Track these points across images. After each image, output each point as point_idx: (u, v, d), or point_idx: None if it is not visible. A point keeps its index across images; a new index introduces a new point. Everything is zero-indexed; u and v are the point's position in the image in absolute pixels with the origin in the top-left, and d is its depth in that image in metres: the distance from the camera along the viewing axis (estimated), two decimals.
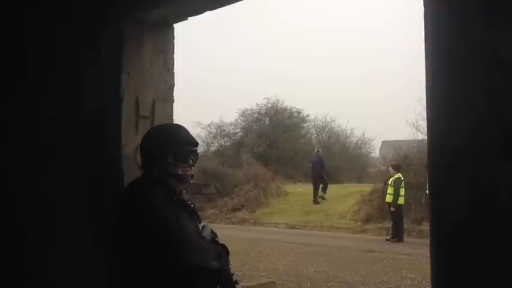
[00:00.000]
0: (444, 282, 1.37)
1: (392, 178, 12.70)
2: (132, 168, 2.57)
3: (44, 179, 3.04)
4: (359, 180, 23.91)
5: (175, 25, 2.80)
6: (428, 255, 1.45)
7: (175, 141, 2.35)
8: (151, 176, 2.29)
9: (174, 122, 2.74)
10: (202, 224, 2.39)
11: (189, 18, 2.68)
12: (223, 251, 2.28)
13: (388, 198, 12.66)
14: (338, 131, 29.81)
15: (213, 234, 2.37)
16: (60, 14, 3.01)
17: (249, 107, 29.53)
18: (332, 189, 18.27)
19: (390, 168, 13.41)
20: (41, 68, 3.11)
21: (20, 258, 3.16)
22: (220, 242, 2.36)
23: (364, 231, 14.38)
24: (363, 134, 29.46)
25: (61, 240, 2.88)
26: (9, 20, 3.34)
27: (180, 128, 2.45)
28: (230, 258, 2.32)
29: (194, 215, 2.37)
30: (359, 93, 38.14)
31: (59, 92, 2.97)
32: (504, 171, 1.23)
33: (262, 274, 8.68)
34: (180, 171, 2.32)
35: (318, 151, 19.64)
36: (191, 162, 2.37)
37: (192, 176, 2.40)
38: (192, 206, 2.39)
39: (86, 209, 2.76)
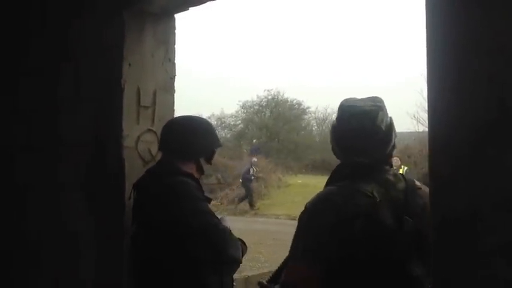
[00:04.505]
0: (445, 275, 1.37)
1: (401, 170, 12.56)
2: (132, 158, 2.58)
3: (45, 168, 3.05)
4: None
5: (176, 15, 2.80)
6: None
7: (213, 143, 2.45)
8: (181, 169, 2.30)
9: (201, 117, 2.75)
10: (220, 216, 2.43)
11: (190, 8, 2.68)
12: (244, 246, 2.33)
13: None
14: None
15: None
16: (62, 4, 3.01)
17: (249, 99, 29.57)
18: None
19: (397, 159, 13.18)
20: (43, 57, 3.11)
21: (22, 247, 3.18)
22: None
23: None
24: None
25: (62, 228, 2.89)
26: (12, 10, 3.34)
27: (213, 127, 2.55)
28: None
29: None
30: (359, 85, 38.13)
31: (60, 81, 2.98)
32: (507, 159, 1.23)
33: (263, 265, 8.70)
34: (205, 169, 2.43)
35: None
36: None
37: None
38: None
39: (87, 198, 2.77)
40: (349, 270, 1.61)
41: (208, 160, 2.44)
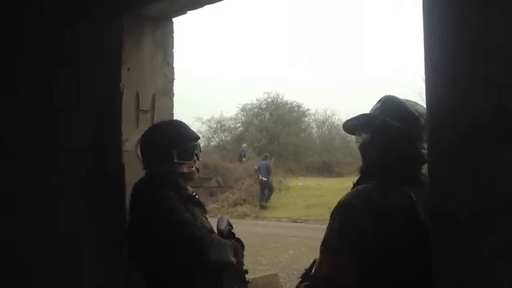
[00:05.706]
0: (445, 273, 1.38)
1: None
2: (132, 163, 2.59)
3: (45, 172, 3.06)
4: None
5: (174, 19, 2.81)
6: None
7: (180, 140, 2.38)
8: (159, 178, 2.32)
9: (173, 118, 2.75)
10: (219, 215, 2.44)
11: (188, 12, 2.68)
12: (239, 246, 2.32)
13: None
14: (338, 125, 29.76)
15: (230, 225, 2.41)
16: (61, 8, 3.01)
17: (249, 102, 29.55)
18: (333, 182, 18.25)
19: None
20: (41, 62, 3.12)
21: (22, 253, 3.18)
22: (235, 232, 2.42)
23: None
24: None
25: (63, 233, 2.89)
26: (11, 13, 3.35)
27: (181, 125, 2.48)
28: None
29: (203, 208, 2.41)
30: (358, 86, 38.13)
31: (59, 85, 2.98)
32: (504, 159, 1.24)
33: (265, 268, 8.70)
34: (185, 170, 2.38)
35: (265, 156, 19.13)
36: (196, 158, 2.41)
37: (197, 170, 2.44)
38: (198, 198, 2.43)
39: (87, 202, 2.77)
40: (387, 265, 1.56)
41: (183, 158, 2.36)
